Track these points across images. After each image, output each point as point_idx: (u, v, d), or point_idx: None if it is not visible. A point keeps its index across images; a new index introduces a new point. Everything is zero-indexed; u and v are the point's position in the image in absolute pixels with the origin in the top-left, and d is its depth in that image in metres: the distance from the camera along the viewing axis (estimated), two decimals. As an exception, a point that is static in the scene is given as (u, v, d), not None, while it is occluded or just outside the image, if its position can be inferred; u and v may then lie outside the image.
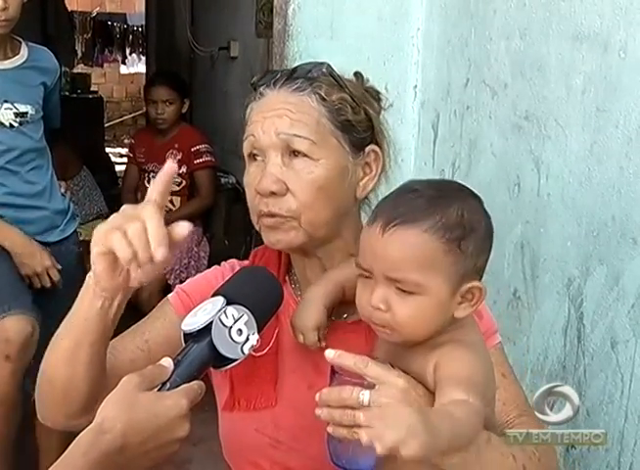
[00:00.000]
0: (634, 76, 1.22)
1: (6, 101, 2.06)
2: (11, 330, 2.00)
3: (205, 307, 0.89)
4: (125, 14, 9.37)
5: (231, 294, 0.90)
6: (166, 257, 0.81)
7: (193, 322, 0.87)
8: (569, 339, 1.38)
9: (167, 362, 0.85)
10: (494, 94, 1.59)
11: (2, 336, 2.00)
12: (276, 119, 1.00)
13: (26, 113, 2.10)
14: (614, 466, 1.28)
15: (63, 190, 2.34)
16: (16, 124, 2.08)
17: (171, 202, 3.59)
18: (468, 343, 0.88)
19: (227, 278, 0.98)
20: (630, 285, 1.23)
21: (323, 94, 1.01)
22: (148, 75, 6.26)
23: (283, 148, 1.00)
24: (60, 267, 2.15)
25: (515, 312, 1.53)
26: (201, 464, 2.56)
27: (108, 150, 6.79)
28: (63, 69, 2.45)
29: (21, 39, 2.17)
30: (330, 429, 0.85)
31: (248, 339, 0.89)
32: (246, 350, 0.89)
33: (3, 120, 2.07)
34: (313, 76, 1.02)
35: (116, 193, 4.16)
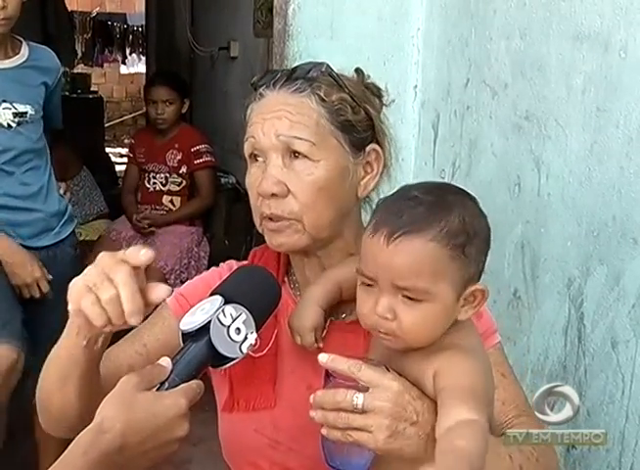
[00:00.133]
0: (634, 76, 1.22)
1: (4, 100, 2.05)
2: None
3: (203, 307, 0.88)
4: (125, 14, 9.37)
5: (229, 293, 0.90)
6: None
7: (191, 321, 0.87)
8: (569, 339, 1.37)
9: (166, 362, 0.85)
10: (494, 94, 1.59)
11: None
12: (276, 121, 1.00)
13: (25, 113, 2.08)
14: (614, 466, 1.27)
15: (62, 191, 2.31)
16: (14, 125, 2.06)
17: (171, 202, 3.59)
18: (467, 347, 0.88)
19: (225, 277, 0.98)
20: (631, 285, 1.23)
21: (322, 95, 1.01)
22: (148, 75, 6.26)
23: (283, 149, 1.00)
24: (50, 278, 2.12)
25: (515, 312, 1.53)
26: (200, 464, 2.56)
27: (108, 150, 6.78)
28: (63, 69, 2.42)
29: (22, 39, 2.15)
30: (324, 431, 0.85)
31: (246, 338, 0.89)
32: (244, 348, 0.89)
33: (1, 120, 2.05)
34: (313, 77, 1.02)
35: (117, 193, 4.16)
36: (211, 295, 0.91)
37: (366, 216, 1.06)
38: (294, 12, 1.79)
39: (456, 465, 0.76)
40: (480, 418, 0.81)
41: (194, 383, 0.85)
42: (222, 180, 3.77)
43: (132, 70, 9.85)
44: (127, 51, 9.41)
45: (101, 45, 9.26)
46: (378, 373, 0.85)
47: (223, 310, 0.87)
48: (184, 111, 3.64)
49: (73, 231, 2.32)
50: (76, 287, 0.82)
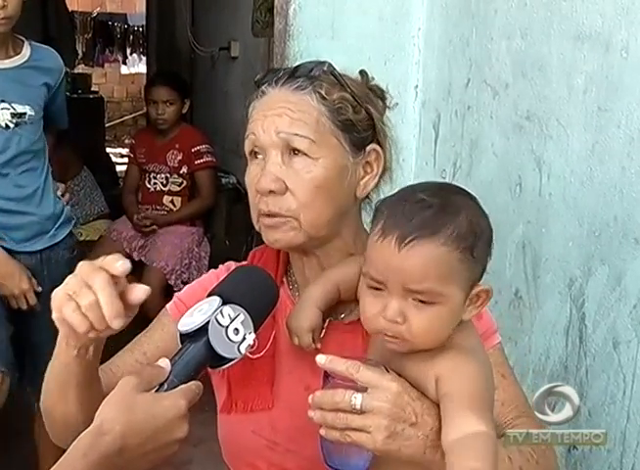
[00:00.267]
0: (636, 76, 1.22)
1: (3, 101, 2.02)
2: None
3: (201, 307, 0.88)
4: (126, 14, 9.37)
5: (227, 293, 0.90)
6: (126, 322, 0.83)
7: (189, 322, 0.87)
8: (570, 339, 1.37)
9: (165, 363, 0.85)
10: (495, 94, 1.58)
11: None
12: (276, 118, 1.00)
13: (24, 113, 2.05)
14: (616, 467, 1.27)
15: (59, 192, 2.28)
16: (11, 125, 2.04)
17: (172, 202, 3.59)
18: (468, 348, 0.88)
19: (222, 278, 0.98)
20: (632, 285, 1.23)
21: (323, 93, 1.01)
22: (148, 76, 6.26)
23: (283, 147, 1.00)
24: (39, 289, 2.09)
25: (516, 312, 1.52)
26: (201, 465, 2.56)
27: (108, 150, 6.78)
28: (65, 69, 2.40)
29: (24, 39, 2.13)
30: (322, 431, 0.85)
31: (244, 338, 0.88)
32: (242, 349, 0.89)
33: None
34: (314, 75, 1.02)
35: (117, 193, 4.16)
36: (209, 295, 0.91)
37: (366, 217, 1.06)
38: (294, 12, 1.78)
39: None
40: (488, 429, 0.81)
41: (193, 384, 0.84)
42: (223, 180, 3.77)
43: (133, 71, 9.85)
44: (128, 51, 9.41)
45: (101, 45, 9.26)
46: (377, 374, 0.85)
47: (221, 311, 0.87)
48: (184, 111, 3.64)
49: (71, 233, 2.28)
50: (58, 296, 0.84)
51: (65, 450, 0.79)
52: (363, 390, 0.84)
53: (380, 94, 1.09)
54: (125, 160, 4.33)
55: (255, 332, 0.90)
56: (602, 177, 1.29)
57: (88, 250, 3.50)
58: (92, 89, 7.16)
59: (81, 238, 3.75)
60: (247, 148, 1.05)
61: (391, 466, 0.88)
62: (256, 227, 1.05)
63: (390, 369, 0.88)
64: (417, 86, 1.88)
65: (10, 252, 2.09)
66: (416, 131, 1.88)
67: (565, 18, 1.37)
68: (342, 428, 0.84)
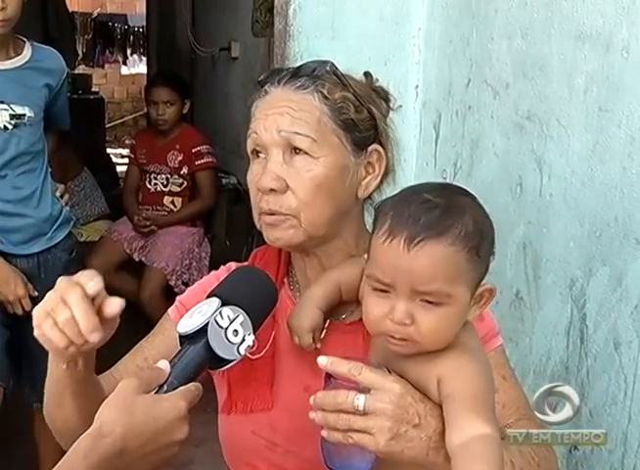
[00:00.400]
0: (637, 76, 1.21)
1: (2, 102, 2.01)
2: None
3: (200, 309, 0.88)
4: (126, 14, 9.37)
5: (226, 295, 0.90)
6: (105, 335, 0.85)
7: (188, 324, 0.87)
8: (571, 340, 1.37)
9: (164, 365, 0.85)
10: (496, 94, 1.58)
11: None
12: (278, 117, 1.00)
13: (24, 115, 2.04)
14: (617, 468, 1.27)
15: (59, 193, 2.27)
16: (10, 126, 2.02)
17: (172, 203, 3.59)
18: (470, 348, 0.88)
19: (222, 279, 0.98)
20: (633, 286, 1.23)
21: (325, 92, 1.01)
22: (149, 76, 6.26)
23: (284, 145, 1.00)
24: (36, 294, 2.07)
25: (517, 313, 1.52)
26: (202, 466, 2.56)
27: (109, 151, 6.79)
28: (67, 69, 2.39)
29: (25, 39, 2.12)
30: (324, 433, 0.85)
31: (244, 339, 0.88)
32: (242, 350, 0.88)
33: None
34: (317, 75, 1.02)
35: (118, 194, 4.17)
36: (208, 297, 0.90)
37: (368, 218, 1.06)
38: (294, 12, 1.78)
39: None
40: (492, 431, 0.81)
41: (192, 385, 0.84)
42: (223, 181, 3.78)
43: (133, 71, 9.85)
44: (128, 52, 9.41)
45: (102, 46, 9.27)
46: (379, 375, 0.85)
47: (220, 312, 0.87)
48: (185, 111, 3.64)
49: (70, 234, 2.26)
50: (37, 313, 0.85)
51: (65, 452, 0.79)
52: (365, 391, 0.83)
53: (383, 95, 1.09)
54: (126, 160, 4.34)
55: (255, 333, 0.90)
56: (603, 177, 1.29)
57: (89, 250, 3.51)
58: (92, 90, 7.17)
59: (82, 239, 3.75)
60: (249, 147, 1.05)
61: (394, 468, 0.88)
62: (257, 226, 1.05)
63: (392, 370, 0.88)
64: (417, 86, 1.88)
65: (7, 254, 2.08)
66: (416, 131, 1.88)
67: (565, 17, 1.37)
68: (344, 429, 0.83)
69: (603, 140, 1.28)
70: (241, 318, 0.88)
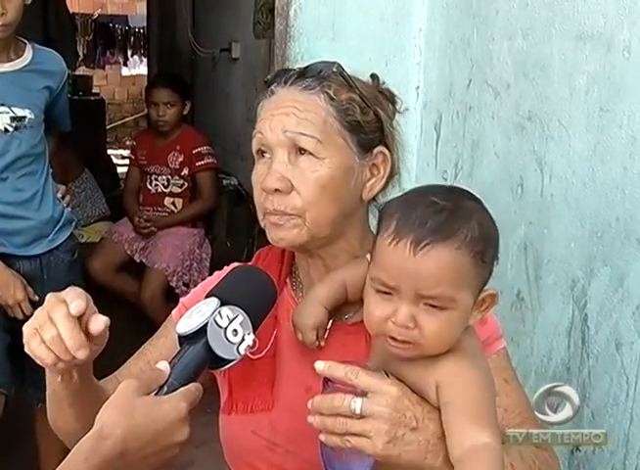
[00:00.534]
0: (638, 76, 1.21)
1: (3, 104, 2.01)
2: None
3: (199, 309, 0.88)
4: (127, 16, 9.37)
5: (225, 294, 0.89)
6: (93, 350, 0.86)
7: (188, 324, 0.86)
8: (573, 340, 1.37)
9: (164, 366, 0.85)
10: (497, 94, 1.58)
11: None
12: (283, 117, 1.00)
13: (24, 117, 2.04)
14: (619, 469, 1.27)
15: (60, 194, 2.26)
16: (11, 129, 2.02)
17: (173, 204, 3.59)
18: (470, 353, 0.88)
19: (220, 279, 0.98)
20: (635, 286, 1.23)
21: (332, 93, 1.01)
22: (149, 77, 6.26)
23: (289, 146, 1.00)
24: (36, 298, 2.07)
25: (518, 314, 1.52)
26: (203, 467, 2.55)
27: (109, 152, 6.79)
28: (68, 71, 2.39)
29: (26, 41, 2.12)
30: (322, 437, 0.85)
31: (243, 339, 0.88)
32: (242, 350, 0.88)
33: None
34: (323, 76, 1.02)
35: (118, 195, 4.17)
36: (207, 296, 0.90)
37: (372, 220, 1.06)
38: (295, 13, 1.78)
39: None
40: (492, 439, 0.81)
41: (193, 386, 0.84)
42: (224, 182, 3.77)
43: (134, 72, 9.84)
44: (129, 53, 9.41)
45: (102, 47, 9.26)
46: (376, 378, 0.85)
47: (220, 312, 0.87)
48: (185, 112, 3.64)
49: (71, 235, 2.26)
50: (26, 330, 0.87)
51: (66, 454, 0.79)
52: (363, 394, 0.83)
53: (390, 98, 1.10)
54: (126, 161, 4.33)
55: (254, 332, 0.90)
56: (604, 178, 1.29)
57: (89, 252, 3.51)
58: (93, 91, 7.17)
59: (82, 240, 3.75)
60: (254, 146, 1.05)
61: None
62: (262, 225, 1.05)
63: (390, 374, 0.87)
64: (418, 87, 1.88)
65: (9, 257, 2.08)
66: (417, 132, 1.88)
67: (566, 18, 1.37)
68: (341, 433, 0.83)
69: (604, 140, 1.28)
70: (240, 318, 0.88)
